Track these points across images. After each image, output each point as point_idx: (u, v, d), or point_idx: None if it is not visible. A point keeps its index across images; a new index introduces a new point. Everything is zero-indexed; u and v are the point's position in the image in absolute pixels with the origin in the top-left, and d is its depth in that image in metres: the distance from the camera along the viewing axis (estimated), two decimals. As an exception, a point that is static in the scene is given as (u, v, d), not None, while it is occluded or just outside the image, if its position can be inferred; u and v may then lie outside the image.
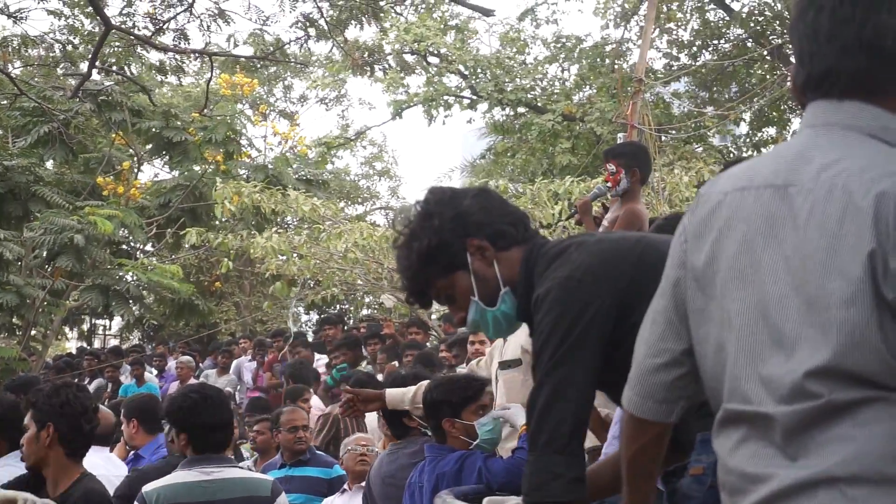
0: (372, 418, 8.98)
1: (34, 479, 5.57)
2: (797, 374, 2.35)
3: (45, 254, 18.60)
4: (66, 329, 30.76)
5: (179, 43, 13.31)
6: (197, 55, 14.71)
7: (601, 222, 8.22)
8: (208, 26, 13.18)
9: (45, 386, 5.86)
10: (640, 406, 2.89)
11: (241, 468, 6.18)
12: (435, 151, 75.99)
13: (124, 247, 22.76)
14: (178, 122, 22.13)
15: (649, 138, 14.12)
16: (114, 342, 32.66)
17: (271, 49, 14.41)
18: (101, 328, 36.02)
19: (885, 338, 2.28)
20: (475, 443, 5.62)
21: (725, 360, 2.53)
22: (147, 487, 5.59)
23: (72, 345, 35.28)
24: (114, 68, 17.93)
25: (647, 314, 2.86)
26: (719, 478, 2.60)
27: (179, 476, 5.64)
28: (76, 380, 19.22)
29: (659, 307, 2.80)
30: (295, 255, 17.75)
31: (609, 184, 8.03)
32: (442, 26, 26.99)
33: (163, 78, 20.03)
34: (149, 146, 23.73)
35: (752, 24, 24.80)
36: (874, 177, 2.32)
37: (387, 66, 27.24)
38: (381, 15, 18.10)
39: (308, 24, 13.45)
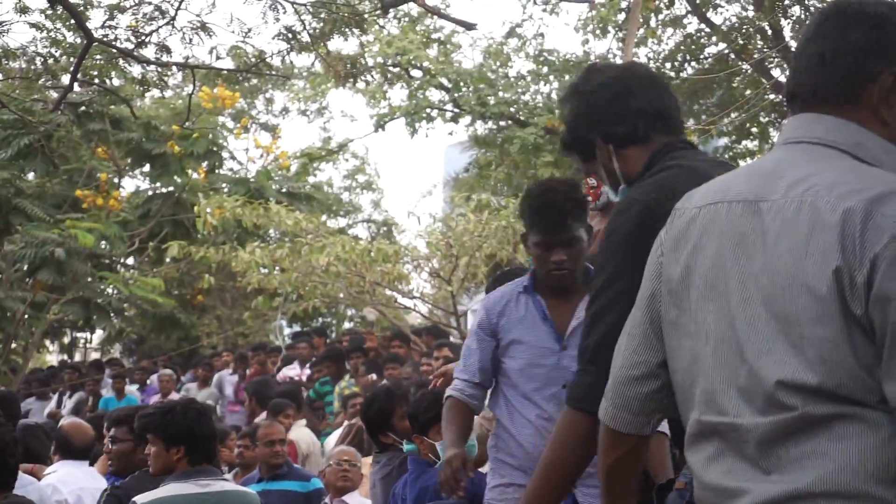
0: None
1: None
2: (769, 386, 2.36)
3: (25, 267, 18.57)
4: (47, 342, 30.67)
5: (161, 56, 13.29)
6: (179, 68, 14.67)
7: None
8: (190, 39, 13.18)
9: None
10: (615, 418, 2.90)
11: (230, 481, 6.18)
12: (417, 164, 76.13)
13: (105, 260, 22.73)
14: (159, 134, 22.14)
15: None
16: (95, 355, 32.56)
17: (253, 61, 14.37)
18: (83, 341, 35.90)
19: (856, 353, 2.29)
20: (438, 463, 5.63)
21: (698, 373, 2.55)
22: (142, 499, 5.57)
23: (52, 358, 35.16)
24: (95, 81, 17.87)
25: (624, 327, 2.87)
26: (695, 493, 2.61)
27: (175, 488, 5.64)
28: (57, 393, 19.23)
29: (636, 320, 2.83)
30: (277, 268, 17.75)
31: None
32: (425, 40, 27.00)
33: (144, 90, 19.97)
34: (129, 158, 23.73)
35: (733, 38, 24.88)
36: (842, 193, 2.34)
37: (370, 78, 27.22)
38: (365, 27, 18.10)
39: (291, 36, 13.43)
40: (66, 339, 33.59)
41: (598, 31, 26.24)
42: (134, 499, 5.62)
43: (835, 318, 2.29)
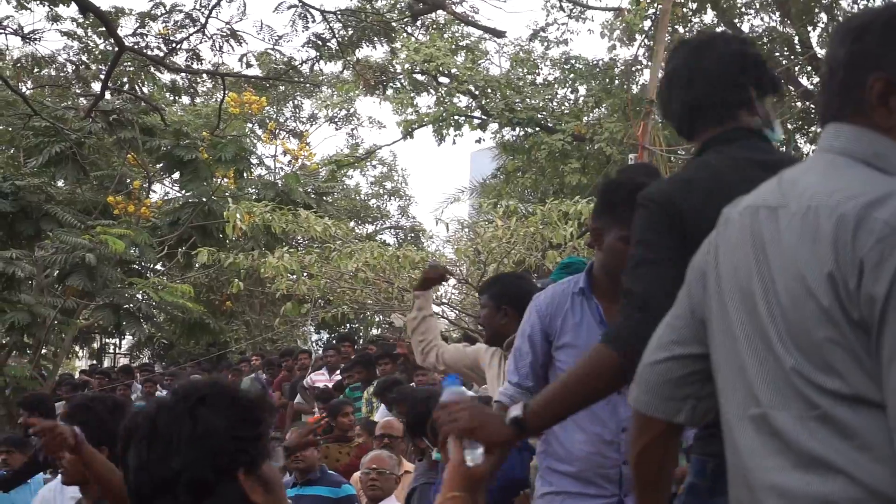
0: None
1: None
2: (799, 384, 2.42)
3: (56, 273, 18.66)
4: (77, 348, 30.79)
5: (192, 63, 13.37)
6: (209, 75, 14.74)
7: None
8: (220, 47, 13.26)
9: (96, 405, 5.59)
10: (642, 401, 2.93)
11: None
12: (444, 171, 76.11)
13: (135, 266, 22.80)
14: (188, 141, 22.19)
15: (660, 159, 14.13)
16: (124, 361, 32.67)
17: (281, 68, 14.45)
18: (112, 347, 36.05)
19: (865, 357, 2.33)
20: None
21: (736, 368, 2.61)
22: None
23: (81, 363, 35.28)
24: (125, 89, 17.96)
25: (664, 318, 2.92)
26: (730, 481, 2.66)
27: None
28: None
29: (677, 311, 2.88)
30: (305, 274, 17.77)
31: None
32: (452, 46, 27.02)
33: (175, 98, 20.04)
34: (159, 165, 23.79)
35: (760, 46, 24.81)
36: (840, 199, 2.39)
37: (398, 86, 27.27)
38: (393, 35, 18.15)
39: (320, 44, 13.48)
40: (96, 345, 33.75)
41: (624, 38, 26.18)
42: None
43: (839, 324, 2.35)
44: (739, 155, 3.49)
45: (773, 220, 2.53)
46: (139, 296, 20.23)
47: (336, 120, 36.42)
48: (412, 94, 27.61)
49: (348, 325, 29.28)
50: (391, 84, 27.36)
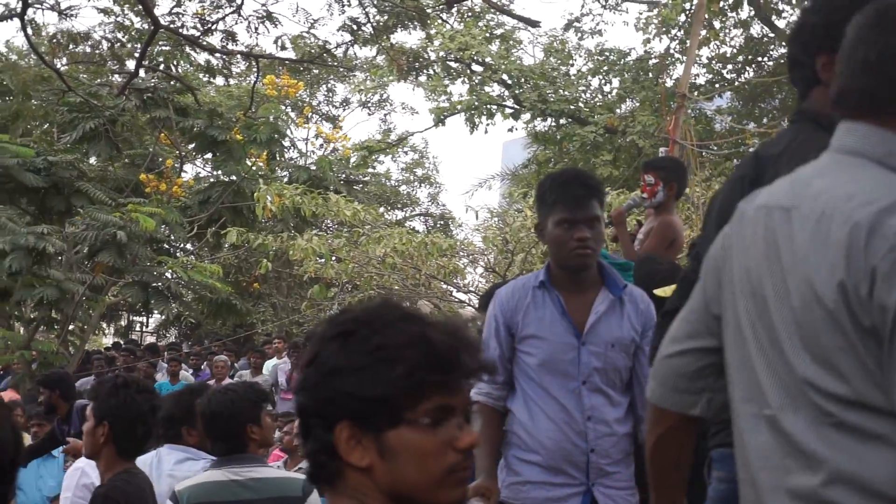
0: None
1: None
2: (806, 387, 2.43)
3: (86, 249, 18.73)
4: (104, 325, 30.93)
5: (227, 44, 13.38)
6: (244, 57, 14.76)
7: (636, 236, 8.25)
8: (256, 28, 13.28)
9: (109, 380, 5.71)
10: (657, 395, 2.96)
11: (272, 468, 6.18)
12: (475, 159, 76.10)
13: (165, 245, 22.90)
14: (222, 122, 22.23)
15: (690, 154, 14.11)
16: (150, 339, 32.80)
17: (315, 52, 14.45)
18: (139, 325, 36.19)
19: (873, 364, 2.34)
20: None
21: (745, 366, 2.62)
22: (179, 486, 5.58)
23: (108, 340, 35.43)
24: (160, 67, 18.01)
25: (680, 312, 2.92)
26: (739, 476, 2.67)
27: (209, 475, 5.64)
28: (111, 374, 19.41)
29: (691, 306, 2.89)
30: (333, 258, 17.80)
31: (645, 194, 8.05)
32: (487, 35, 27.02)
33: (210, 78, 20.07)
34: (192, 144, 23.86)
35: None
36: (855, 206, 2.38)
37: (432, 72, 27.26)
38: (428, 21, 18.14)
39: (355, 28, 13.48)
40: (123, 322, 33.90)
41: (660, 31, 26.11)
42: (175, 486, 5.65)
43: (846, 331, 2.35)
44: (786, 142, 3.46)
45: (787, 222, 2.53)
46: (168, 274, 20.29)
47: (369, 105, 36.50)
48: (445, 82, 27.62)
49: (374, 310, 29.25)
50: (425, 70, 27.36)
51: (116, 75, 18.39)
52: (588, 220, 4.99)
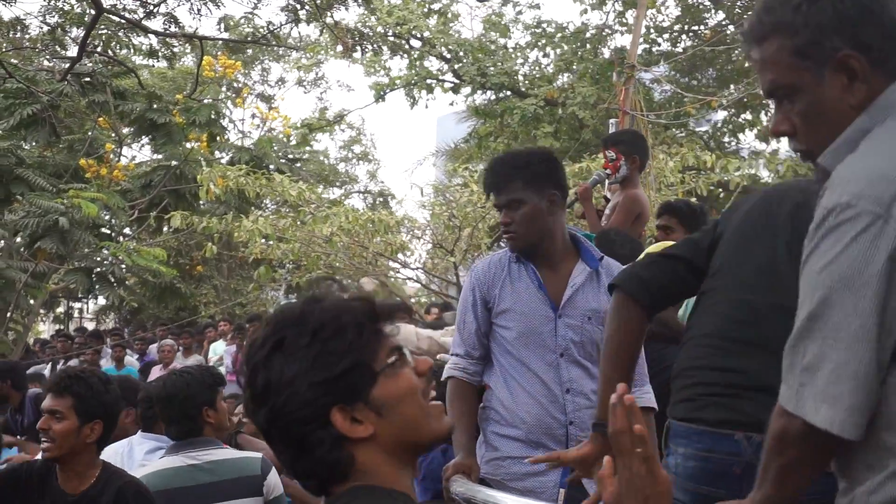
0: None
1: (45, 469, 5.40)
2: None
3: (28, 236, 18.52)
4: (42, 312, 30.66)
5: (170, 27, 13.25)
6: (187, 39, 14.63)
7: (604, 212, 8.28)
8: (199, 10, 13.15)
9: (85, 375, 5.43)
10: None
11: (229, 449, 6.15)
12: (411, 135, 76.17)
13: (105, 230, 22.68)
14: (161, 105, 22.04)
15: (641, 123, 14.17)
16: (89, 325, 32.58)
17: (260, 33, 14.35)
18: (77, 311, 35.92)
19: None
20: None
21: None
22: (135, 475, 5.54)
23: (45, 328, 35.19)
24: (98, 50, 17.79)
25: None
26: None
27: (167, 462, 5.64)
28: (50, 362, 19.25)
29: None
30: (278, 238, 17.74)
31: (608, 170, 8.08)
32: (425, 9, 26.98)
33: (154, 62, 19.89)
34: (131, 129, 23.65)
35: (736, 11, 24.84)
36: None
37: (375, 48, 27.19)
38: (371, -3, 18.11)
39: (299, 6, 13.41)
40: (61, 309, 33.62)
41: (598, 2, 26.20)
42: (133, 473, 5.58)
43: None
44: None
45: None
46: (110, 259, 20.10)
47: (304, 83, 36.34)
48: (384, 58, 27.58)
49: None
50: (364, 47, 27.28)
51: (55, 60, 18.13)
52: (507, 204, 5.05)
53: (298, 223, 17.41)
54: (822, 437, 2.38)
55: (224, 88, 28.69)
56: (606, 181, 8.39)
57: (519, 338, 5.09)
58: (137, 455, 6.49)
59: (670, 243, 6.21)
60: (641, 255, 6.41)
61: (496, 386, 5.16)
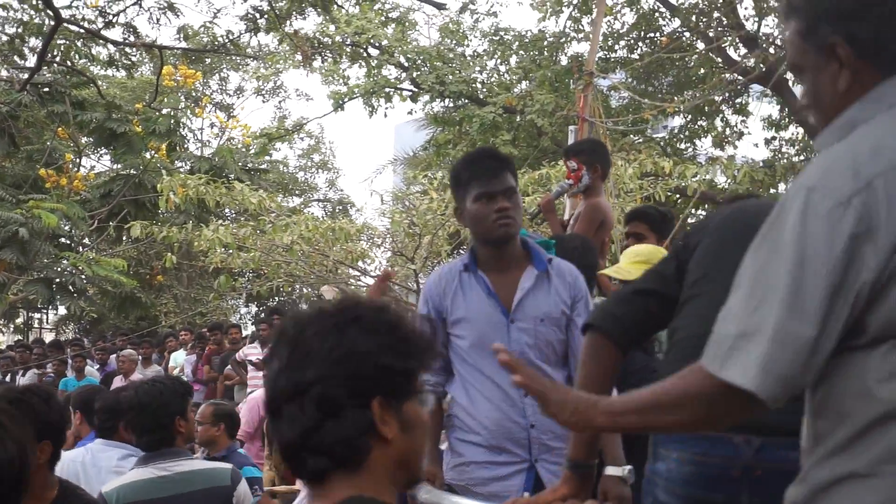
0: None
1: None
2: None
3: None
4: (1, 322, 30.52)
5: (129, 37, 13.24)
6: (147, 49, 14.61)
7: (568, 222, 8.35)
8: (158, 19, 13.17)
9: (30, 398, 4.86)
10: None
11: (199, 459, 6.16)
12: (369, 144, 76.06)
13: (63, 240, 22.59)
14: (120, 114, 21.96)
15: (601, 130, 14.26)
16: (49, 336, 32.45)
17: (220, 42, 14.38)
18: (37, 322, 35.75)
19: None
20: None
21: None
22: (106, 488, 5.50)
23: (4, 338, 34.96)
24: (57, 60, 17.75)
25: None
26: None
27: (136, 474, 5.63)
28: (9, 373, 19.20)
29: None
30: (238, 247, 17.74)
31: (571, 181, 8.13)
32: (383, 18, 27.00)
33: (114, 71, 19.84)
34: (89, 138, 23.55)
35: (692, 18, 24.92)
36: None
37: (337, 57, 27.18)
38: (330, 5, 18.08)
39: (258, 16, 13.43)
40: (20, 320, 33.47)
41: (555, 10, 26.25)
42: (102, 488, 5.56)
43: None
44: None
45: None
46: (70, 270, 20.03)
47: (263, 92, 36.31)
48: (343, 67, 27.58)
49: (276, 297, 29.27)
50: (326, 56, 27.26)
51: (15, 71, 18.05)
52: (504, 192, 5.07)
53: (258, 232, 17.42)
54: (739, 399, 2.45)
55: (183, 98, 28.65)
56: (570, 191, 8.42)
57: (473, 345, 5.15)
58: (104, 463, 6.48)
59: (645, 248, 6.36)
60: (623, 260, 6.52)
61: (457, 394, 5.22)
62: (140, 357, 18.59)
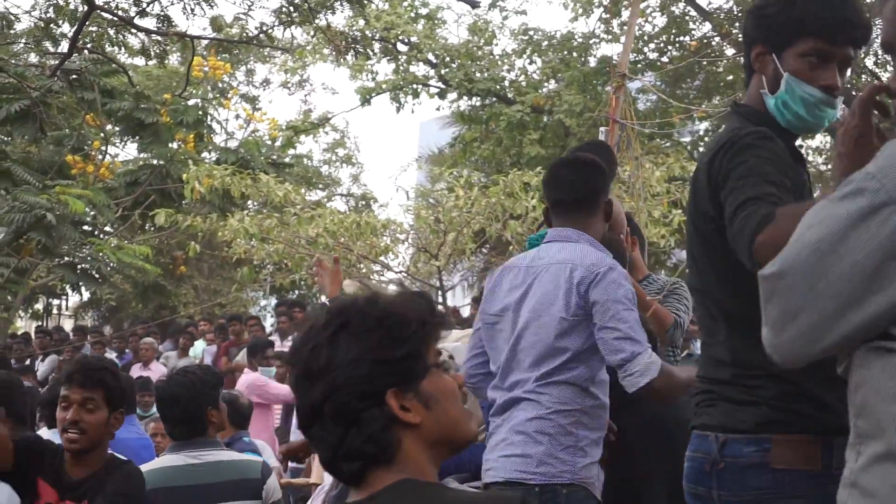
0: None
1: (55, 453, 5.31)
2: None
3: (12, 232, 18.42)
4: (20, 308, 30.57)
5: (162, 25, 13.24)
6: (179, 38, 14.61)
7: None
8: (192, 10, 13.17)
9: (112, 367, 5.51)
10: None
11: (230, 451, 6.15)
12: (393, 140, 76.05)
13: (86, 227, 22.60)
14: (148, 104, 21.96)
15: (632, 133, 14.21)
16: (68, 322, 32.53)
17: (253, 33, 14.39)
18: (56, 308, 35.78)
19: None
20: None
21: None
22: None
23: (21, 324, 35.03)
24: (88, 47, 17.77)
25: None
26: None
27: (168, 459, 5.66)
28: (29, 358, 19.26)
29: None
30: (261, 238, 17.77)
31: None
32: (412, 14, 26.99)
33: (144, 60, 19.84)
34: (118, 127, 23.54)
35: (720, 22, 24.89)
36: None
37: (371, 51, 27.21)
38: (364, 1, 18.09)
39: (292, 9, 13.43)
40: (39, 306, 33.50)
41: (586, 10, 26.25)
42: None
43: None
44: None
45: None
46: (94, 256, 20.04)
47: (289, 85, 36.25)
48: (371, 62, 27.63)
49: (296, 291, 29.29)
50: (357, 50, 27.27)
51: (48, 57, 18.07)
52: None
53: (283, 224, 17.44)
54: None
55: (210, 89, 28.65)
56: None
57: None
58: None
59: None
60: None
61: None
62: (178, 348, 18.63)
